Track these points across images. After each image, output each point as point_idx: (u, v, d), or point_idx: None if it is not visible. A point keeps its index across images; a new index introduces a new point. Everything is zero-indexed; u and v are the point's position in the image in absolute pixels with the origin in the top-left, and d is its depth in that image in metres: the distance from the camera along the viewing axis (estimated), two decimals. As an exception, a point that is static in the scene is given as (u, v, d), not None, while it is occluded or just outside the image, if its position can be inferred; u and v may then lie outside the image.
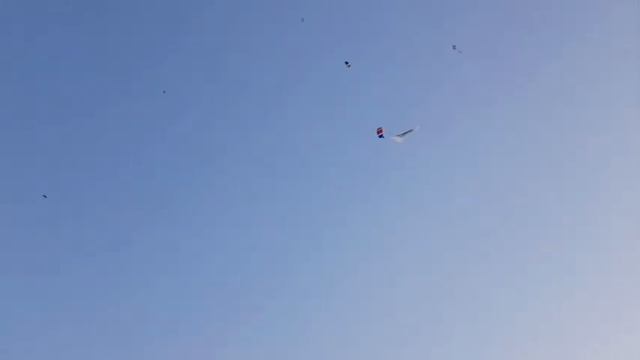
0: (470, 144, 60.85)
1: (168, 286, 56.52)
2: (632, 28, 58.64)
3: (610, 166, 58.18)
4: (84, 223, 58.09)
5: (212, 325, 55.03)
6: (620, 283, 53.82)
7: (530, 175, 59.70)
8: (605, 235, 56.60)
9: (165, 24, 64.75)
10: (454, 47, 51.43)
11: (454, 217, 58.66)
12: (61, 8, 62.44)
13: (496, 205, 58.96)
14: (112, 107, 62.61)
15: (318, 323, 55.02)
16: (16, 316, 52.61)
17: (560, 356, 51.40)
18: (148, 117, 62.84)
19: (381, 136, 47.62)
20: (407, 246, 58.09)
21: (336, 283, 57.06)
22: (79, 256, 56.52)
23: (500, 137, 60.86)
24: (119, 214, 58.89)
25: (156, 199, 60.72)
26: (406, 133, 47.23)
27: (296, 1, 63.03)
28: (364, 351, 52.82)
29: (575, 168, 59.35)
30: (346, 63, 51.35)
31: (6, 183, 57.70)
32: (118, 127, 62.32)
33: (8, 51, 61.05)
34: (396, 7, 62.84)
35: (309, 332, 54.62)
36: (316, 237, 59.73)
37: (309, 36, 61.59)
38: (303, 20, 55.34)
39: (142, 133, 62.94)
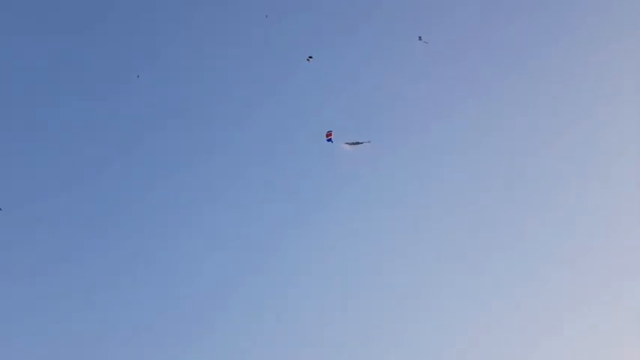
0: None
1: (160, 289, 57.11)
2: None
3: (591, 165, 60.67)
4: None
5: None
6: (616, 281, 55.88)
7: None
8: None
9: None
10: (420, 38, 51.72)
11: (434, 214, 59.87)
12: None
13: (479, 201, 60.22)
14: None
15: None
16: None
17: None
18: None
19: (329, 140, 47.23)
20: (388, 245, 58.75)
21: (336, 284, 57.86)
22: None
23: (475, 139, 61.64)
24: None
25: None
26: (356, 143, 47.06)
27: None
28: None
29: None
30: (309, 57, 51.79)
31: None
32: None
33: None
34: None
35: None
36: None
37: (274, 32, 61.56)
38: (267, 17, 57.53)
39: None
